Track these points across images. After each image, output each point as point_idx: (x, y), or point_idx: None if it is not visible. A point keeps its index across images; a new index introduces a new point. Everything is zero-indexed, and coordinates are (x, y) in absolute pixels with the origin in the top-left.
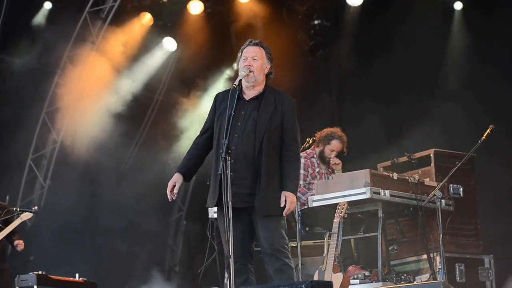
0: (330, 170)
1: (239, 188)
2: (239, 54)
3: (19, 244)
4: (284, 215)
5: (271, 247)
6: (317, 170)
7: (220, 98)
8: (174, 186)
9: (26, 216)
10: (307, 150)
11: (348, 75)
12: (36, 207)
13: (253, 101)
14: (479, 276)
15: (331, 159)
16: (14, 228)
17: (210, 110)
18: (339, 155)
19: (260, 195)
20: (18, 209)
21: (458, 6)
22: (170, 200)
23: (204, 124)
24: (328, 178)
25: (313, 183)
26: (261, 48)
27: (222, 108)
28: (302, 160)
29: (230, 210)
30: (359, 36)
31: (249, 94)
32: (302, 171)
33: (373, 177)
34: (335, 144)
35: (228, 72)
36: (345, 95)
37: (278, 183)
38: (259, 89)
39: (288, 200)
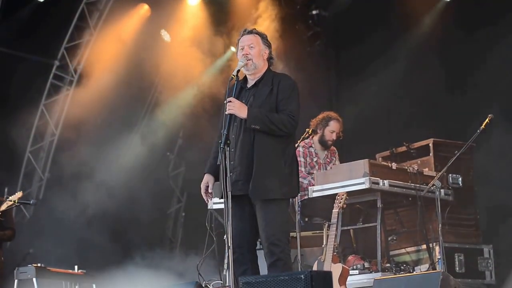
0: (328, 159)
1: (237, 176)
2: (237, 46)
3: None
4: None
5: (266, 241)
6: (315, 160)
7: (227, 93)
8: (207, 187)
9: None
10: (305, 140)
11: (347, 66)
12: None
13: (253, 88)
14: (479, 266)
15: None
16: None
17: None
18: (337, 143)
19: (252, 180)
20: (16, 200)
21: None
22: (207, 202)
23: (221, 121)
24: (326, 168)
25: (312, 173)
26: (256, 35)
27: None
28: (301, 149)
29: (230, 200)
30: (357, 24)
31: (250, 82)
32: (301, 159)
33: (372, 167)
34: (334, 125)
35: (224, 62)
36: (344, 85)
37: (273, 167)
38: (259, 75)
39: (236, 102)
